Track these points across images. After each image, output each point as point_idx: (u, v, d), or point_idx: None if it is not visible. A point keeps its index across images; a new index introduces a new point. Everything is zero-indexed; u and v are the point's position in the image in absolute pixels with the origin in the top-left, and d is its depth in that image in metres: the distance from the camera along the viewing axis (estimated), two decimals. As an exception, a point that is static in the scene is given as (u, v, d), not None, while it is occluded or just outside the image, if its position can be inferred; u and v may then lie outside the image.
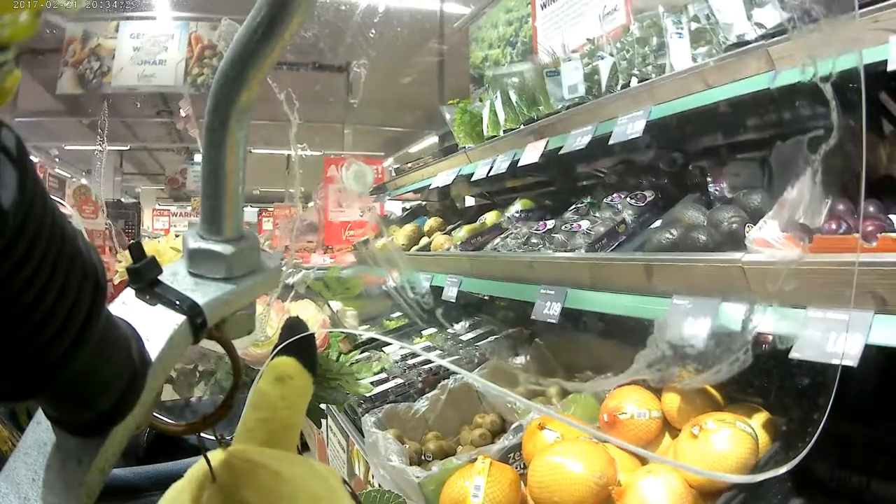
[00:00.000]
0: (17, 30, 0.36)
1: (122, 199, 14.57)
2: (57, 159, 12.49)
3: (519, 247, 2.41)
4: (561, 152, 2.26)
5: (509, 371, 2.50)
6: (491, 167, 2.79)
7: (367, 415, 2.25)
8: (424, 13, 6.24)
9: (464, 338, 3.05)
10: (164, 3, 7.64)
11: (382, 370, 2.65)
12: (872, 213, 1.43)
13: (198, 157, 12.10)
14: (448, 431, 2.32)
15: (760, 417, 1.69)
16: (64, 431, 0.56)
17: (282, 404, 0.79)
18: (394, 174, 4.85)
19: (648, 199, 2.19)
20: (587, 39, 2.56)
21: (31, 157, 0.37)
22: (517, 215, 2.94)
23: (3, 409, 1.11)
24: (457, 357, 2.75)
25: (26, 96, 8.57)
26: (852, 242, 1.27)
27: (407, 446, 2.10)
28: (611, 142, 1.98)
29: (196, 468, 0.69)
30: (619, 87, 2.18)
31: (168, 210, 16.06)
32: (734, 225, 1.63)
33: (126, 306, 0.60)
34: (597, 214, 2.21)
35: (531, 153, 2.48)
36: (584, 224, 2.13)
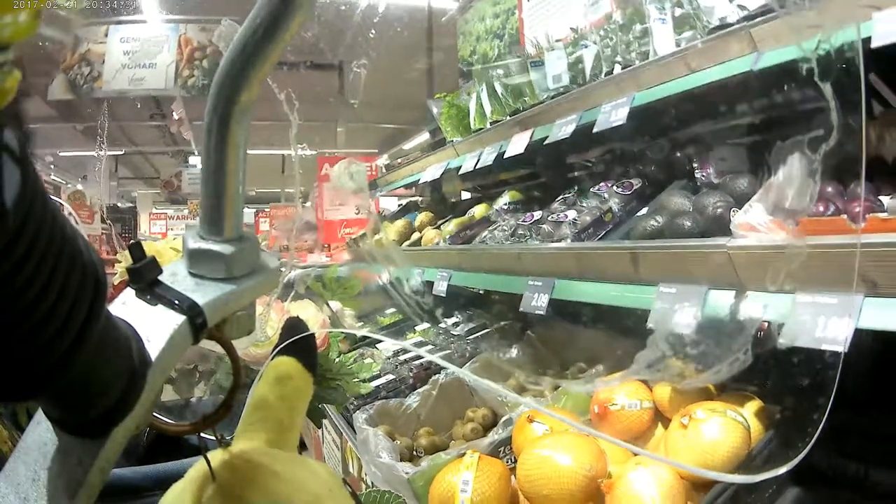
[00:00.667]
0: (17, 30, 0.35)
1: (119, 204, 14.58)
2: (52, 166, 12.49)
3: (507, 239, 2.40)
4: (546, 142, 2.25)
5: (500, 365, 2.48)
6: (478, 160, 2.78)
7: (358, 411, 2.24)
8: (413, 9, 6.23)
9: (455, 332, 3.04)
10: (153, 6, 7.62)
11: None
12: (861, 193, 1.41)
13: (192, 160, 12.11)
14: (440, 427, 2.31)
15: (753, 406, 1.67)
16: (64, 431, 0.56)
17: (282, 404, 0.80)
18: (385, 171, 4.85)
19: (635, 188, 2.18)
20: (571, 29, 2.55)
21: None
22: (506, 207, 2.93)
23: (4, 409, 1.11)
24: (448, 352, 2.73)
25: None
26: (841, 224, 1.25)
27: (398, 442, 2.08)
28: (595, 130, 1.96)
29: (196, 468, 0.70)
30: (603, 75, 2.17)
31: (165, 213, 16.01)
32: (719, 210, 1.61)
33: (126, 306, 0.61)
34: (583, 204, 2.19)
35: (517, 144, 2.47)
36: (571, 214, 2.11)
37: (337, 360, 1.53)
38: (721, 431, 1.48)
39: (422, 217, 3.79)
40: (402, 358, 2.79)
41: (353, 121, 9.85)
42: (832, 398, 0.89)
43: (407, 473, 1.77)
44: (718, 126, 2.16)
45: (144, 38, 7.48)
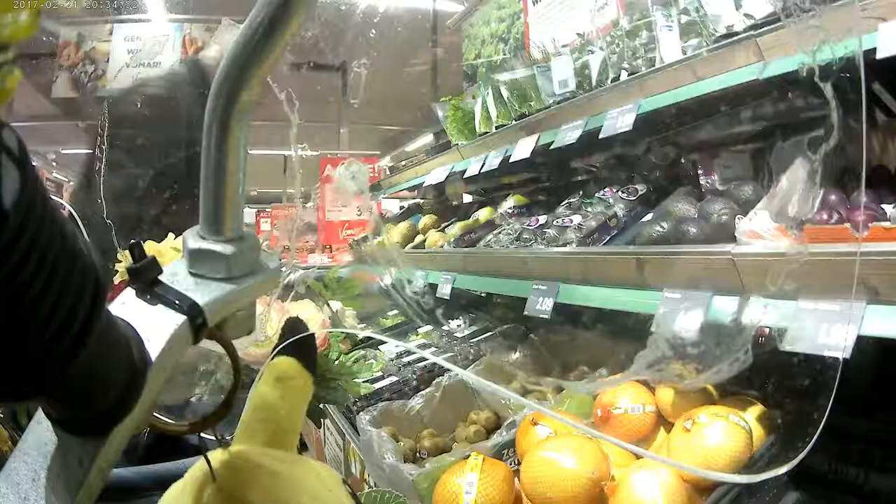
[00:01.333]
0: (17, 30, 0.36)
1: (120, 202, 14.53)
2: (54, 163, 12.47)
3: (511, 243, 2.41)
4: (552, 147, 2.26)
5: (504, 368, 2.49)
6: (483, 163, 2.79)
7: (362, 413, 2.25)
8: (418, 11, 6.23)
9: (459, 335, 3.05)
10: (159, 5, 7.62)
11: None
12: (865, 202, 1.42)
13: None
14: (443, 429, 2.32)
15: (755, 411, 1.68)
16: (64, 431, 0.56)
17: (282, 404, 0.80)
18: (388, 172, 4.85)
19: (640, 193, 2.19)
20: (577, 34, 2.56)
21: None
22: (510, 211, 2.94)
23: (4, 409, 1.11)
24: (452, 354, 2.74)
25: (22, 100, 8.55)
26: (844, 233, 1.27)
27: (402, 444, 2.09)
28: (601, 136, 1.97)
29: (196, 468, 0.70)
30: (609, 82, 2.18)
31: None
32: (724, 217, 1.63)
33: (126, 306, 0.61)
34: (588, 209, 2.21)
35: (522, 148, 2.48)
36: (576, 219, 2.13)
37: (337, 360, 1.54)
38: (724, 435, 1.50)
39: (425, 220, 3.80)
40: (405, 360, 2.80)
41: (355, 122, 9.84)
42: (831, 403, 0.90)
43: (411, 475, 1.77)
44: (723, 133, 2.17)
45: (148, 37, 7.47)
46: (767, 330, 1.40)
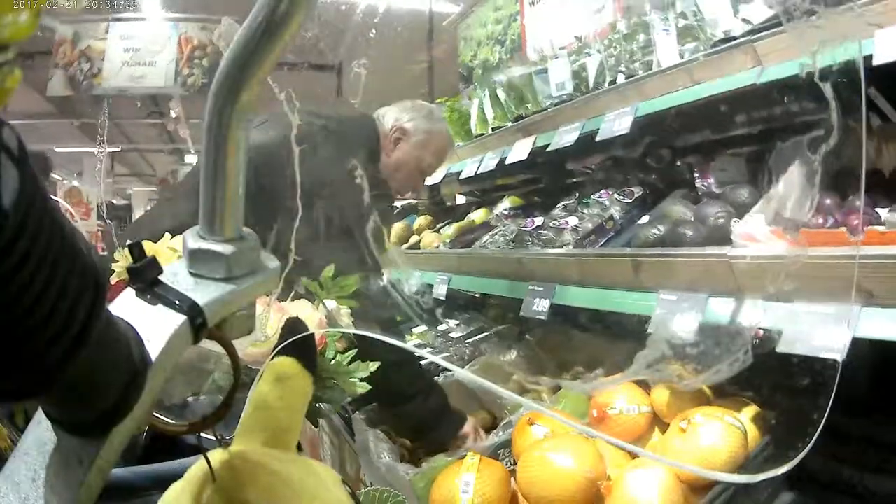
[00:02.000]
0: (17, 30, 0.36)
1: (115, 201, 14.52)
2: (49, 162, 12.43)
3: (508, 244, 2.42)
4: (549, 149, 2.27)
5: (500, 368, 2.50)
6: (479, 165, 2.80)
7: (357, 412, 2.25)
8: (414, 12, 6.23)
9: (454, 335, 3.05)
10: (155, 4, 7.61)
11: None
12: (860, 206, 1.43)
13: (189, 158, 12.05)
14: (439, 429, 2.32)
15: (750, 411, 1.69)
16: (64, 431, 0.56)
17: (281, 404, 0.80)
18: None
19: (636, 196, 2.20)
20: (575, 37, 2.57)
21: None
22: (506, 212, 2.95)
23: (2, 409, 1.11)
24: (447, 355, 2.74)
25: (17, 98, 8.53)
26: (840, 236, 1.28)
27: (398, 444, 2.10)
28: (598, 138, 1.99)
29: (196, 468, 0.70)
30: (606, 84, 2.19)
31: (159, 211, 15.94)
32: (721, 220, 1.64)
33: (126, 306, 0.61)
34: (585, 211, 2.22)
35: (519, 150, 2.50)
36: (573, 220, 2.14)
37: (333, 360, 1.54)
38: (719, 436, 1.51)
39: (421, 220, 3.80)
40: (401, 360, 2.79)
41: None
42: (830, 404, 0.91)
43: (408, 475, 1.78)
44: (720, 137, 2.19)
45: (145, 36, 7.46)
46: (762, 332, 1.42)
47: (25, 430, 0.58)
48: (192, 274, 0.66)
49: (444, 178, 3.30)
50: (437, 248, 3.13)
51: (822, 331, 1.24)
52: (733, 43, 1.66)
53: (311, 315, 1.61)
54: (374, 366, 1.39)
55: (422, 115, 2.30)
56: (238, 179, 0.64)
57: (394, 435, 2.15)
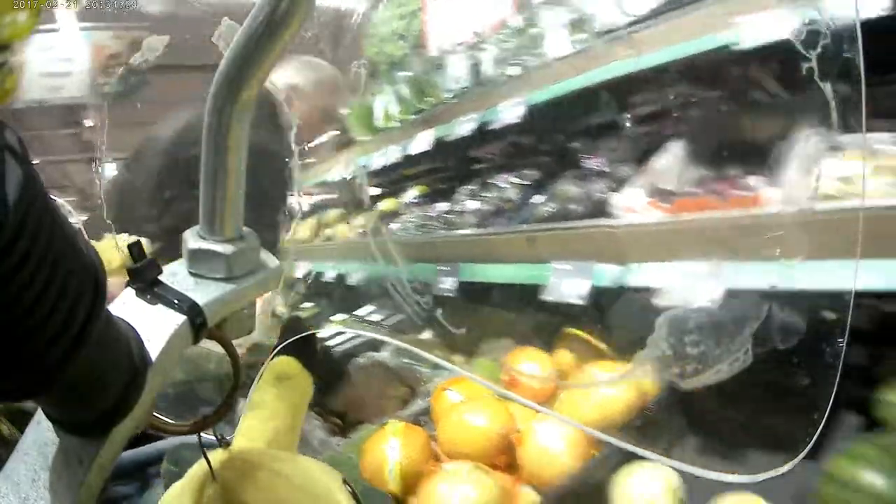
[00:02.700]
0: (17, 30, 0.37)
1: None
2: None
3: (416, 229, 2.54)
4: (449, 139, 2.40)
5: (420, 344, 2.60)
6: (385, 157, 2.92)
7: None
8: (318, 9, 6.22)
9: (371, 320, 3.15)
10: (68, 15, 7.33)
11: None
12: (731, 175, 1.58)
13: (109, 168, 11.57)
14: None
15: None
16: (64, 431, 0.56)
17: (282, 404, 0.82)
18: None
19: (531, 178, 2.35)
20: (473, 32, 2.69)
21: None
22: (414, 201, 3.07)
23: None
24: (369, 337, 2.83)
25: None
26: (708, 203, 1.45)
27: (328, 422, 2.18)
28: (494, 127, 2.13)
29: (197, 468, 0.71)
30: (502, 76, 2.33)
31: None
32: (604, 195, 1.80)
33: (126, 306, 0.60)
34: (485, 194, 2.36)
35: (421, 142, 2.62)
36: (474, 204, 2.28)
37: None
38: (617, 387, 1.63)
39: (332, 213, 3.89)
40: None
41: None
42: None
43: (339, 446, 1.89)
44: (606, 120, 2.35)
45: (60, 47, 7.19)
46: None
47: (25, 430, 0.58)
48: (191, 274, 0.66)
49: (353, 171, 3.40)
50: (350, 238, 3.21)
51: (695, 285, 1.39)
52: (615, 34, 1.78)
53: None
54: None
55: (308, 68, 2.42)
56: (238, 179, 0.64)
57: (325, 414, 2.24)
